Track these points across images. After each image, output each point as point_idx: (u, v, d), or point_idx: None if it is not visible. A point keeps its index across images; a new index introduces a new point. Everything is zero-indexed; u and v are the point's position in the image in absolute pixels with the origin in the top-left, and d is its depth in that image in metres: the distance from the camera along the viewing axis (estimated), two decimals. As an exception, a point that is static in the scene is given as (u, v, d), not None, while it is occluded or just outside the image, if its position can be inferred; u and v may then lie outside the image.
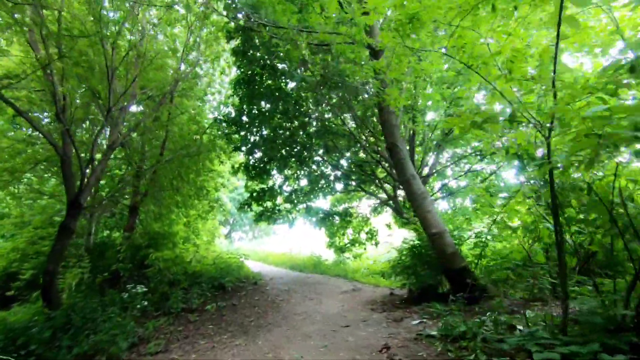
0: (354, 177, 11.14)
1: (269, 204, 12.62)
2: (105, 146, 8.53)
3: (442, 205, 13.64)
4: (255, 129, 11.05)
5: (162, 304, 7.48)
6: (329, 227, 13.58)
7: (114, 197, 10.33)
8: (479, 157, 10.77)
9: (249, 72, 10.42)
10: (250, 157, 11.47)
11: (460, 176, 11.47)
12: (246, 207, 11.62)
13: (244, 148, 11.19)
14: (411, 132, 10.21)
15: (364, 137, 10.47)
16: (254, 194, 11.56)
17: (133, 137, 11.11)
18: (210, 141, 10.27)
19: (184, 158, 9.87)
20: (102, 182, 11.07)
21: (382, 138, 9.87)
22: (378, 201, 13.83)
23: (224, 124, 11.13)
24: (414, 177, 5.33)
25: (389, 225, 13.73)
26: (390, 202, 11.07)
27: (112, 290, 8.36)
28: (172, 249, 9.18)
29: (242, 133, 10.95)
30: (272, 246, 20.29)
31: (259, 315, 6.22)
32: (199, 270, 9.02)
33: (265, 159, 11.17)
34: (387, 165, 10.27)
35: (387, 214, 14.79)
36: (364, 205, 14.78)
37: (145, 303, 6.40)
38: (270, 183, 12.37)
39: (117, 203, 10.35)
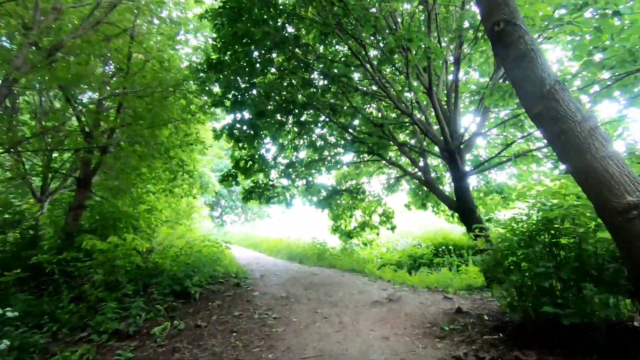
0: (369, 142, 8.16)
1: (261, 178, 9.66)
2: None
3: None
4: (242, 81, 7.97)
5: (92, 319, 4.54)
6: (333, 209, 10.69)
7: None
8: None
9: (233, 4, 7.25)
10: (236, 116, 8.38)
11: (505, 146, 8.53)
12: (230, 179, 8.60)
13: (226, 104, 8.09)
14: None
15: (378, 88, 7.53)
16: (240, 163, 8.52)
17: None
18: (176, 85, 7.16)
19: (140, 108, 6.79)
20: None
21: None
22: (394, 176, 10.94)
23: (202, 75, 7.98)
24: (562, 88, 2.41)
25: (407, 206, 10.88)
26: (419, 173, 8.14)
27: (24, 295, 5.42)
28: (122, 235, 6.17)
29: (224, 83, 7.80)
30: (267, 231, 17.34)
31: (238, 353, 3.31)
32: (161, 266, 6.06)
33: (256, 120, 8.09)
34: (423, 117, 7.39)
35: (403, 193, 11.93)
36: (375, 182, 11.89)
37: (2, 346, 3.39)
38: (263, 152, 9.37)
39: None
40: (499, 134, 9.11)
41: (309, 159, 9.75)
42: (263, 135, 8.84)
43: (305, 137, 9.46)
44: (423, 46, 5.81)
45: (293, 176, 9.68)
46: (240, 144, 8.59)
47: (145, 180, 8.52)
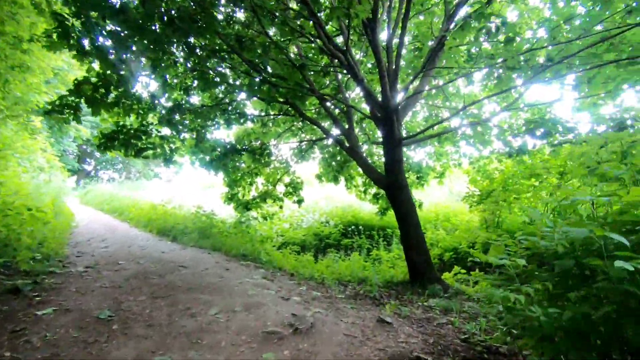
0: (283, 87, 5.90)
1: (129, 121, 6.72)
2: None
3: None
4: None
5: None
6: (230, 172, 8.28)
7: None
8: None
9: None
10: (88, 20, 5.12)
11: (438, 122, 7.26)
12: (66, 111, 5.39)
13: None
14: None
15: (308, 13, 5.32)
16: (85, 87, 5.37)
17: None
18: None
19: None
20: None
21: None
22: (307, 139, 8.99)
23: None
24: None
25: (319, 177, 9.08)
26: (343, 136, 6.26)
27: None
28: None
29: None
30: (146, 193, 13.66)
31: None
32: None
33: (117, 23, 5.04)
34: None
35: (314, 162, 10.11)
36: (284, 147, 9.81)
37: None
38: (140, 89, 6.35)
39: None
40: (427, 103, 7.84)
41: (203, 102, 7.15)
42: (138, 60, 5.80)
43: (198, 77, 6.66)
44: None
45: (179, 126, 7.01)
46: (96, 60, 5.42)
47: None
